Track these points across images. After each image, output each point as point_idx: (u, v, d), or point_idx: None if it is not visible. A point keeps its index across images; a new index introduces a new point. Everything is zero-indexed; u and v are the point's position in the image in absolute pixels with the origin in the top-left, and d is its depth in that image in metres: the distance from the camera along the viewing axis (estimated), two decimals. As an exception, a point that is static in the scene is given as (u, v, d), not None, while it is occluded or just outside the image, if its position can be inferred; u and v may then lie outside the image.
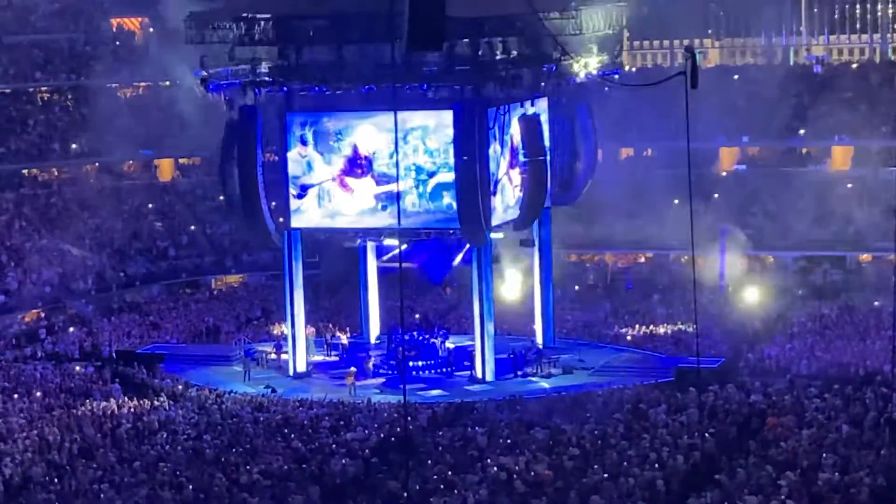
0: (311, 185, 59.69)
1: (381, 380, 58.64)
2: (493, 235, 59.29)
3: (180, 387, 58.00)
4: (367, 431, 48.41)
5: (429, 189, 58.31)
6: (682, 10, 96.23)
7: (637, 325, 66.89)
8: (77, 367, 61.05)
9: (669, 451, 43.62)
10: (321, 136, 59.40)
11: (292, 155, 59.69)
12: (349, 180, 59.22)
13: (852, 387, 51.77)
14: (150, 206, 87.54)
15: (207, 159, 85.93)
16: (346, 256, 68.13)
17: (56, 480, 43.72)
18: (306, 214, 60.10)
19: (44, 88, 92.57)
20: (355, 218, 59.55)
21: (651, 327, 66.37)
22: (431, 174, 58.25)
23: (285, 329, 62.85)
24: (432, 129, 58.12)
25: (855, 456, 42.34)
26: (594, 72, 60.97)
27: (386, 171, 58.51)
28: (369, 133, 58.72)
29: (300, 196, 59.83)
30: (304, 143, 59.60)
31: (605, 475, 41.46)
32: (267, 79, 59.29)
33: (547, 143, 61.10)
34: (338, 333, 64.61)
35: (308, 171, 59.67)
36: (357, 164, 59.11)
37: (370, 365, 59.76)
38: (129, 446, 47.90)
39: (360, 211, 59.29)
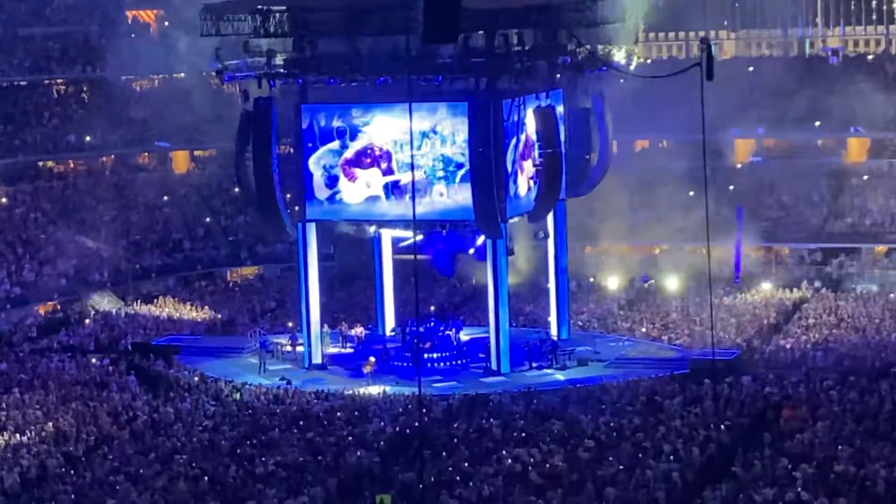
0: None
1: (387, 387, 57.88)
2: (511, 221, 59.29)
3: (196, 379, 58.13)
4: (382, 423, 48.47)
5: (457, 180, 58.24)
6: (698, 1, 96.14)
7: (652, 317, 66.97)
8: (93, 360, 61.16)
9: (685, 444, 43.62)
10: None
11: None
12: (357, 170, 59.23)
13: (868, 379, 51.71)
14: (166, 198, 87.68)
15: (222, 151, 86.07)
16: (360, 248, 68.14)
17: (72, 472, 43.88)
18: (321, 206, 60.09)
19: (59, 81, 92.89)
20: (365, 206, 59.47)
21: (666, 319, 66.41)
22: (460, 165, 58.15)
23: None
24: (462, 121, 57.97)
25: (871, 448, 42.30)
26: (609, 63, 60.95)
27: (408, 162, 58.30)
28: (392, 124, 58.53)
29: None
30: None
31: (621, 467, 41.49)
32: (282, 70, 59.31)
33: (562, 135, 61.02)
34: (352, 332, 64.46)
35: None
36: (368, 154, 59.08)
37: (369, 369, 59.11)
38: (145, 438, 48.03)
39: (370, 199, 59.23)
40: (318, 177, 59.93)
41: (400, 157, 58.75)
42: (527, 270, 68.33)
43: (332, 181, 59.88)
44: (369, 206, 59.59)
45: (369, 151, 59.09)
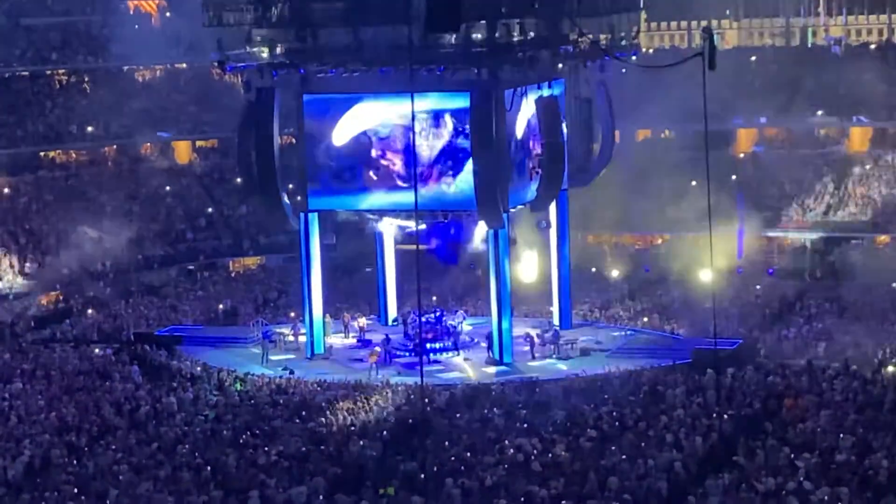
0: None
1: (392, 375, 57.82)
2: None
3: (198, 369, 58.16)
4: (385, 413, 48.50)
5: (465, 169, 58.00)
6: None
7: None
8: (96, 350, 61.17)
9: (687, 433, 43.65)
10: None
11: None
12: (380, 161, 59.09)
13: (870, 368, 51.70)
14: (168, 188, 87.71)
15: (224, 141, 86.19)
16: (363, 238, 68.13)
17: (75, 462, 43.93)
18: (326, 196, 59.99)
19: (61, 71, 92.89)
20: (380, 198, 59.36)
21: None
22: (468, 155, 57.87)
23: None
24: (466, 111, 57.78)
25: (873, 438, 42.32)
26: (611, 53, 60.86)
27: (420, 151, 58.10)
28: (401, 113, 58.28)
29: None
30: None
31: (623, 457, 41.52)
32: (284, 61, 59.23)
33: (564, 125, 60.96)
34: (355, 324, 64.48)
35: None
36: (387, 144, 58.95)
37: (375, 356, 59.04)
38: (147, 428, 48.08)
39: (386, 191, 59.10)
40: (328, 167, 59.67)
41: (415, 146, 58.40)
42: (531, 261, 68.33)
43: (348, 171, 59.52)
44: (383, 195, 59.27)
45: (389, 142, 58.86)
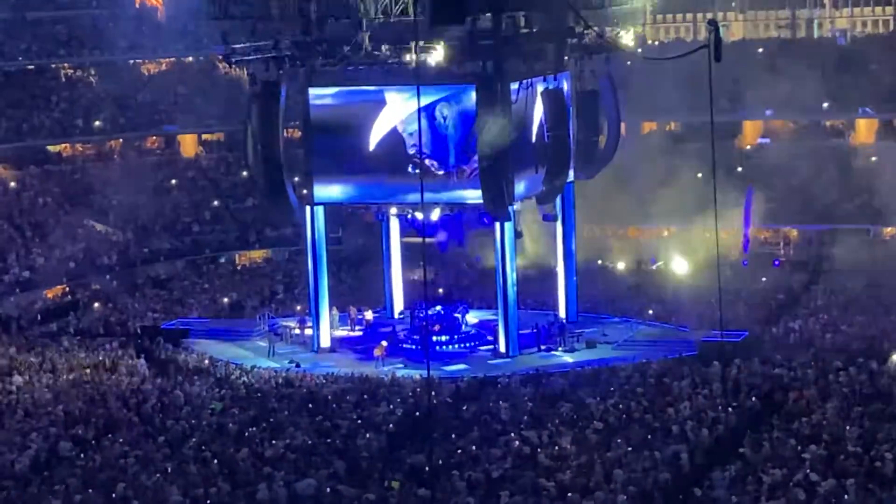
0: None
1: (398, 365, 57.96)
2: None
3: (205, 362, 58.22)
4: (391, 406, 48.53)
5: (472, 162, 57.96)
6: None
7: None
8: (104, 344, 61.21)
9: (693, 425, 43.63)
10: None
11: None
12: (385, 154, 59.02)
13: (876, 360, 51.68)
14: (174, 181, 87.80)
15: (230, 135, 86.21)
16: (369, 231, 68.22)
17: (82, 455, 43.95)
18: (333, 188, 59.97)
19: (67, 65, 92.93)
20: (384, 190, 59.33)
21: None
22: (474, 148, 57.68)
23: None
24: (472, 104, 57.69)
25: (879, 429, 42.29)
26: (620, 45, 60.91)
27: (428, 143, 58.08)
28: (408, 106, 58.22)
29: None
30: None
31: (629, 449, 41.52)
32: (289, 53, 59.20)
33: (570, 117, 60.96)
34: (361, 316, 64.58)
35: None
36: (393, 138, 58.88)
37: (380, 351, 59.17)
38: (154, 421, 48.12)
39: (392, 183, 59.07)
40: (333, 160, 59.62)
41: (420, 139, 58.39)
42: (535, 252, 68.37)
43: (352, 165, 59.50)
44: (388, 189, 59.23)
45: (394, 135, 58.80)
